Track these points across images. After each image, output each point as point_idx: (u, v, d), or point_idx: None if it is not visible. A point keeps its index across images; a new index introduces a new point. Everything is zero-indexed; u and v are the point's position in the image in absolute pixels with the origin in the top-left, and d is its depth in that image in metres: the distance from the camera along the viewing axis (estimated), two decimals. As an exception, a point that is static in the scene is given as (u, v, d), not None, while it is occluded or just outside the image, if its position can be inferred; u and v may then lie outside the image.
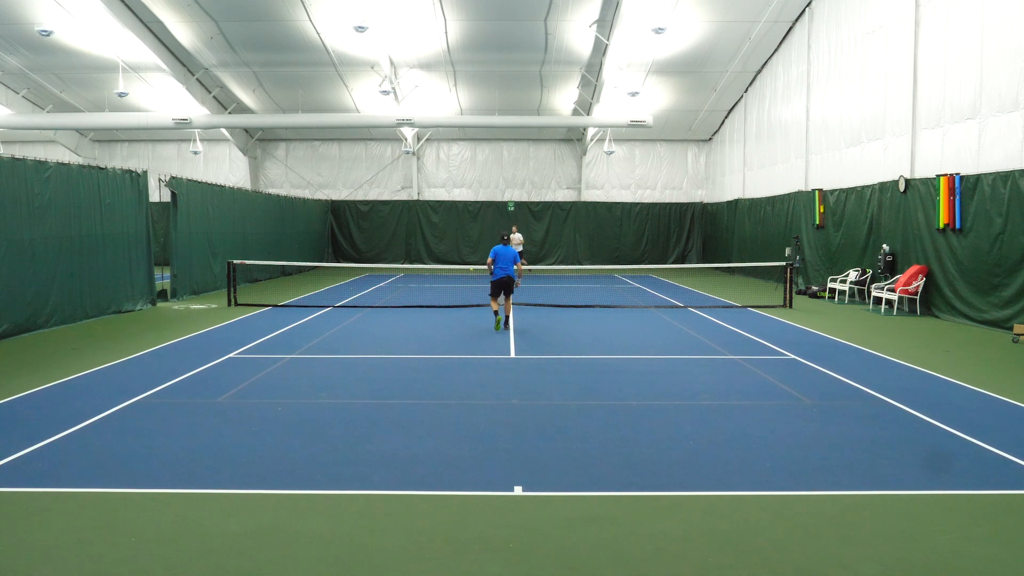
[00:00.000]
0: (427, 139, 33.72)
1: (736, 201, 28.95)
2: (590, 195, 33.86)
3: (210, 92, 28.74)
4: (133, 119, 28.35)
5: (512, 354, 11.63)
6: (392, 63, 26.62)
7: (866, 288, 18.47)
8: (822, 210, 21.23)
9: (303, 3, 22.39)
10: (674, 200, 33.83)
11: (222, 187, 22.77)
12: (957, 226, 15.00)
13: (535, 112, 30.70)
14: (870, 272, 18.54)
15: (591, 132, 31.71)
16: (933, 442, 7.12)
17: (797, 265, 21.62)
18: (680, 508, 5.49)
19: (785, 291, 17.95)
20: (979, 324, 14.36)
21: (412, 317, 15.96)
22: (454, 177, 34.20)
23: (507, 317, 13.87)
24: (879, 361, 11.08)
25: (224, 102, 30.00)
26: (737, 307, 17.94)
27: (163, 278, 19.67)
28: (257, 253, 24.11)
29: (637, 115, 27.10)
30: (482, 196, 34.04)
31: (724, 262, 29.51)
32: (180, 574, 4.50)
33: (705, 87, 27.83)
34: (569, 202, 33.55)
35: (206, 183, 21.42)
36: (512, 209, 33.37)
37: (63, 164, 14.76)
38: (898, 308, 16.53)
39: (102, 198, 15.76)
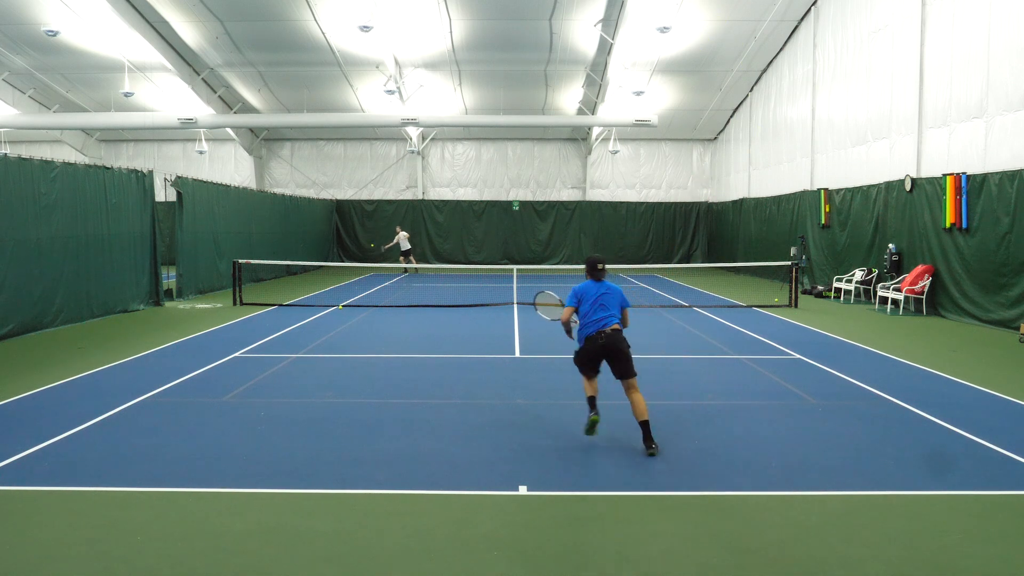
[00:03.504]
0: (432, 138, 33.74)
1: (741, 200, 28.90)
2: (595, 195, 33.84)
3: (215, 92, 28.79)
4: (139, 119, 28.44)
5: (517, 353, 11.63)
6: (397, 63, 26.64)
7: (872, 288, 18.42)
8: (828, 209, 21.18)
9: (308, 3, 22.42)
10: (679, 199, 33.79)
11: (227, 187, 22.82)
12: (964, 225, 14.95)
13: (540, 111, 30.68)
14: (876, 272, 18.49)
15: (596, 131, 31.67)
16: (939, 442, 7.09)
17: (803, 265, 21.57)
18: (685, 508, 5.48)
19: (791, 291, 17.92)
20: (986, 324, 14.30)
21: (417, 316, 15.97)
22: (459, 176, 34.21)
23: (645, 425, 6.71)
24: (885, 361, 11.05)
25: (229, 102, 30.06)
26: (742, 307, 17.91)
27: (169, 277, 19.72)
28: (262, 252, 24.16)
29: (642, 114, 27.06)
30: (487, 196, 34.04)
31: (729, 262, 29.46)
32: (186, 572, 4.51)
33: (710, 86, 27.78)
34: (574, 202, 33.53)
35: (211, 183, 21.46)
36: (517, 208, 33.38)
37: (69, 164, 14.80)
38: (904, 308, 16.47)
39: (108, 198, 15.80)
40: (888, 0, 18.20)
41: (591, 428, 6.98)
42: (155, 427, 7.48)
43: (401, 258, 29.24)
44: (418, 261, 32.75)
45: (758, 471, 6.26)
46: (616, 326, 6.99)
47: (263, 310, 16.90)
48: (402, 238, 29.11)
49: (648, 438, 6.66)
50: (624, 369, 6.90)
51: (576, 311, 7.14)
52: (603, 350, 6.92)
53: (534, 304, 8.32)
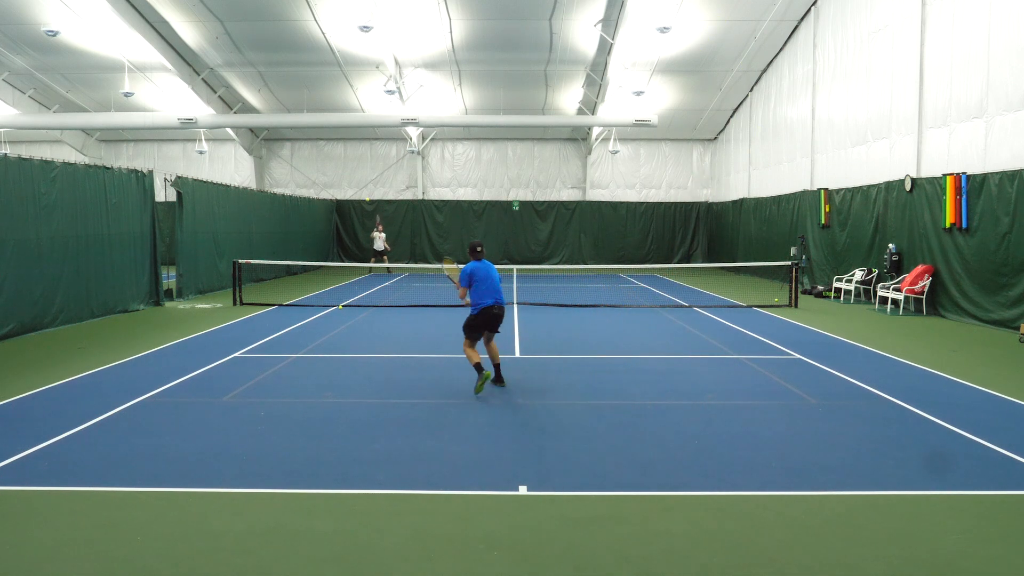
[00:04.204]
0: (432, 138, 33.74)
1: (741, 200, 28.90)
2: (595, 194, 33.83)
3: (215, 92, 28.79)
4: (139, 119, 28.43)
5: (517, 353, 11.63)
6: (397, 63, 26.63)
7: (872, 288, 18.42)
8: (828, 209, 21.18)
9: (308, 3, 22.42)
10: (679, 199, 33.78)
11: (227, 187, 22.81)
12: (963, 225, 14.95)
13: (540, 111, 30.67)
14: (876, 272, 18.49)
15: (596, 131, 31.67)
16: (939, 442, 7.09)
17: (803, 265, 21.57)
18: (685, 508, 5.48)
19: (791, 290, 17.92)
20: (985, 324, 14.30)
21: (417, 316, 15.96)
22: (459, 176, 34.20)
23: (499, 367, 9.35)
24: (885, 361, 11.05)
25: (229, 102, 30.05)
26: (742, 307, 17.91)
27: (169, 277, 19.72)
28: (262, 252, 24.15)
29: (642, 114, 27.05)
30: (487, 196, 34.04)
31: (729, 262, 29.46)
32: (186, 572, 4.51)
33: (710, 86, 27.78)
34: (574, 202, 33.52)
35: (211, 183, 21.45)
36: (517, 208, 33.38)
37: (69, 164, 14.80)
38: (904, 308, 16.47)
39: (108, 198, 15.80)
40: (888, 0, 18.21)
41: (481, 386, 8.77)
42: (155, 427, 7.48)
43: (385, 258, 28.74)
44: (418, 261, 32.78)
45: (758, 471, 6.26)
46: (500, 306, 9.26)
47: (263, 310, 16.90)
48: (379, 238, 28.56)
49: (500, 376, 9.18)
50: (496, 329, 9.31)
51: (470, 288, 9.16)
52: (496, 319, 9.17)
53: (441, 265, 10.69)
